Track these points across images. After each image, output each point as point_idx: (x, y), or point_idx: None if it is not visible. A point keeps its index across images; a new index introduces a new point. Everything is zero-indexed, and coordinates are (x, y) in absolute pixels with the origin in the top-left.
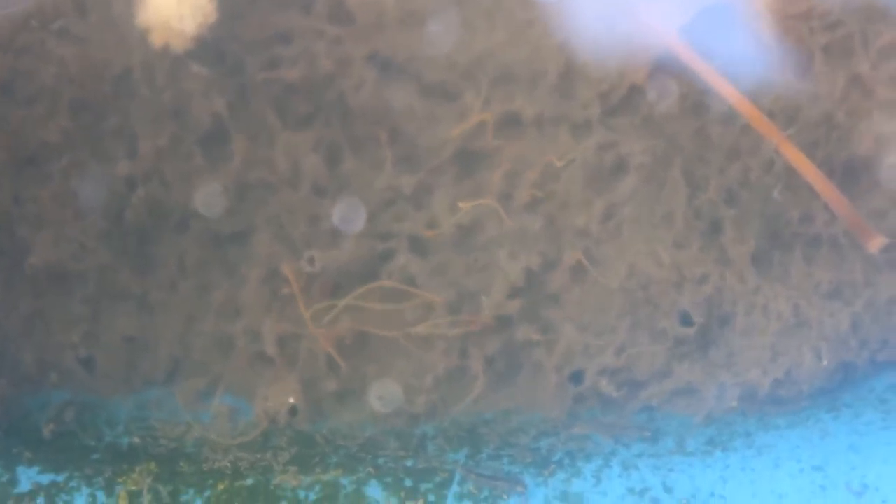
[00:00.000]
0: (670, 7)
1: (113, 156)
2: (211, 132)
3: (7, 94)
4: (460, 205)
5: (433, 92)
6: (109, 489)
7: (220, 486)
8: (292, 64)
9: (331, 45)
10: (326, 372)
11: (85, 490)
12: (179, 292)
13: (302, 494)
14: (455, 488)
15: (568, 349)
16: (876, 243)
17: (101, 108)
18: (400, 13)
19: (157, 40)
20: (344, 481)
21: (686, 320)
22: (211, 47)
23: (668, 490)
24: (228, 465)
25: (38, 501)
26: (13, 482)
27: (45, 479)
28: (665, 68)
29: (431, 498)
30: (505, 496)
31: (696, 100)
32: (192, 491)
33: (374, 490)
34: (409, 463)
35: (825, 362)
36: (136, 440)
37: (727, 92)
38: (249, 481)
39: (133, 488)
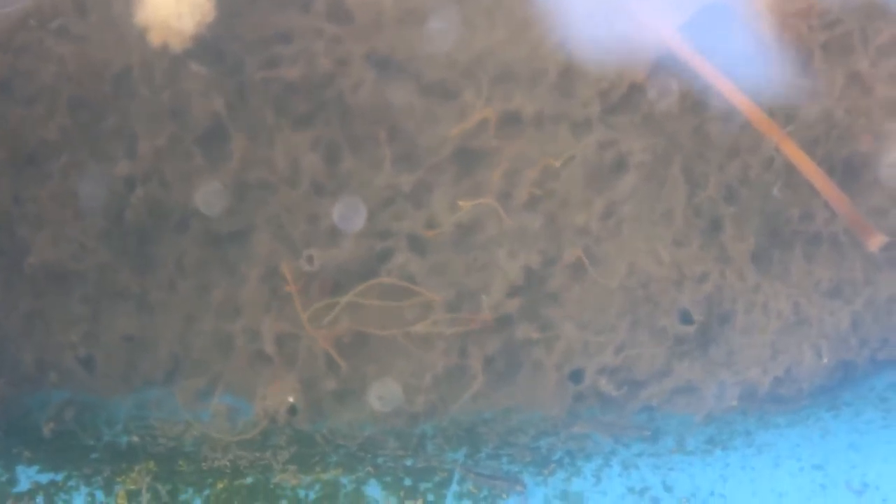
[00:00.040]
0: (670, 5)
1: (112, 155)
2: (210, 131)
3: (6, 94)
4: (460, 203)
5: (432, 91)
6: (108, 488)
7: (220, 485)
8: (291, 63)
9: (330, 44)
10: (326, 371)
11: (84, 489)
12: (179, 292)
13: (301, 493)
14: (454, 487)
15: (568, 348)
16: (876, 241)
17: (101, 108)
18: (399, 12)
19: (155, 39)
20: (343, 480)
21: (686, 318)
22: (210, 46)
23: (668, 489)
24: (228, 463)
25: (37, 500)
26: (12, 481)
27: (45, 478)
28: (665, 67)
29: (431, 497)
30: (504, 495)
31: (695, 98)
32: (191, 490)
33: (373, 489)
34: (408, 462)
35: (825, 360)
36: (136, 439)
37: (727, 90)
38: (249, 480)
39: (132, 487)
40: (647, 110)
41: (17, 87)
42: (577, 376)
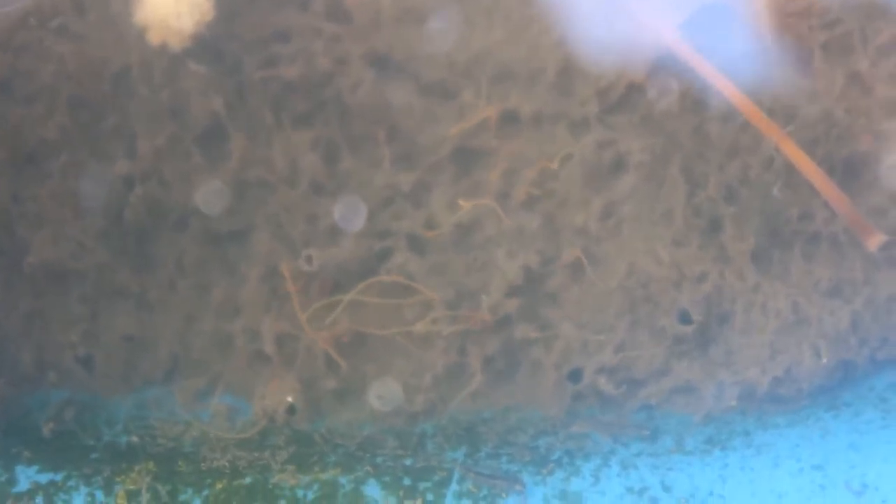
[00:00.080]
0: (669, 4)
1: (112, 154)
2: (209, 131)
3: (6, 93)
4: (461, 202)
5: (431, 90)
6: (108, 488)
7: (219, 485)
8: (290, 62)
9: (329, 44)
10: (325, 371)
11: (83, 489)
12: (178, 291)
13: (300, 493)
14: (454, 487)
15: (567, 347)
16: (875, 241)
17: (100, 107)
18: (397, 11)
19: (155, 38)
20: (342, 480)
21: (685, 318)
22: (209, 45)
23: (666, 489)
24: (227, 464)
25: (36, 501)
26: (12, 481)
27: (44, 478)
28: (664, 66)
29: (430, 497)
30: (503, 495)
31: (695, 97)
32: (190, 490)
33: (372, 489)
34: (407, 462)
35: (825, 360)
36: (135, 439)
37: (726, 89)
38: (248, 480)
39: (132, 487)
40: (646, 110)
41: (17, 86)
42: (576, 376)
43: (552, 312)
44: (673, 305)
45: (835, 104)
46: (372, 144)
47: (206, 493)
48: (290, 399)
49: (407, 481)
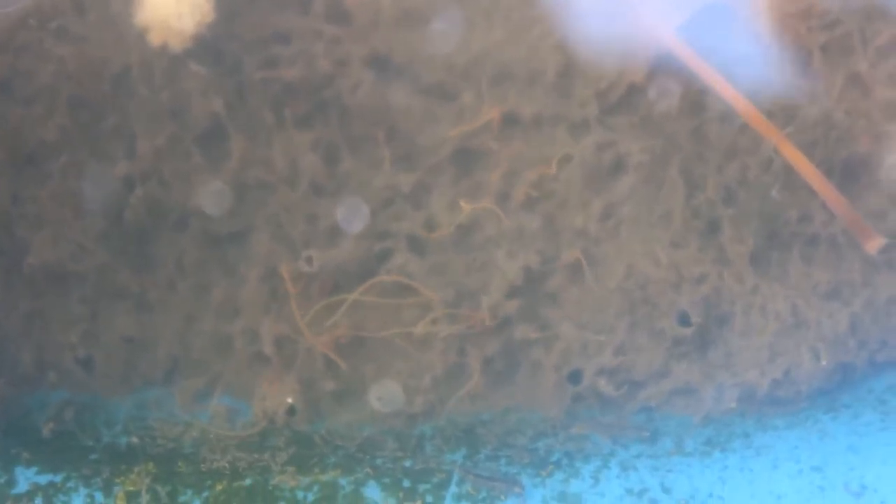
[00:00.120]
0: (668, 6)
1: (112, 155)
2: (209, 131)
3: (6, 93)
4: (462, 203)
5: (431, 91)
6: (108, 489)
7: (219, 487)
8: (290, 63)
9: (329, 45)
10: (324, 372)
11: (83, 490)
12: (178, 292)
13: (300, 495)
14: (453, 489)
15: (566, 348)
16: (874, 243)
17: (100, 108)
18: (397, 13)
19: (155, 39)
20: (342, 482)
21: (684, 320)
22: (209, 46)
23: (666, 491)
24: (227, 465)
25: (35, 502)
26: (11, 482)
27: (44, 479)
28: (663, 67)
29: (429, 498)
30: (503, 497)
31: (694, 99)
32: (190, 491)
33: (372, 490)
34: (407, 463)
35: (824, 363)
36: (135, 440)
37: (725, 91)
38: (248, 482)
39: (131, 489)
40: (645, 111)
41: (17, 86)
42: (575, 377)
43: (552, 313)
44: (672, 307)
45: (834, 106)
46: (372, 145)
47: (205, 494)
48: (289, 400)
49: (406, 483)
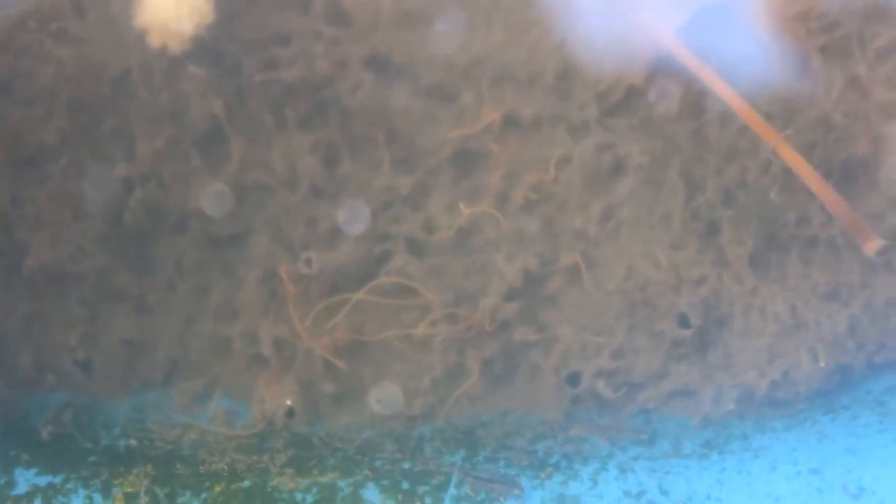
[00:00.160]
0: (668, 7)
1: (111, 157)
2: (209, 133)
3: (5, 95)
4: (461, 206)
5: (431, 93)
6: (106, 491)
7: (217, 489)
8: (290, 65)
9: (328, 46)
10: (323, 374)
11: (82, 492)
12: (177, 294)
13: (299, 497)
14: (452, 491)
15: (565, 351)
16: (873, 245)
17: (99, 109)
18: (397, 14)
19: (154, 41)
20: (341, 484)
21: (683, 322)
22: (208, 48)
23: (664, 493)
24: (225, 467)
25: (35, 503)
26: (11, 484)
27: (43, 480)
28: (663, 69)
29: (428, 500)
30: (501, 498)
31: (693, 101)
32: (188, 493)
33: (371, 492)
34: (406, 465)
35: (822, 364)
36: (134, 442)
37: (725, 93)
38: (246, 483)
39: (130, 490)
40: (645, 113)
41: (16, 88)
42: (574, 379)
43: (551, 315)
44: (671, 309)
45: (833, 108)
46: (371, 147)
47: (204, 496)
48: (288, 402)
49: (405, 485)
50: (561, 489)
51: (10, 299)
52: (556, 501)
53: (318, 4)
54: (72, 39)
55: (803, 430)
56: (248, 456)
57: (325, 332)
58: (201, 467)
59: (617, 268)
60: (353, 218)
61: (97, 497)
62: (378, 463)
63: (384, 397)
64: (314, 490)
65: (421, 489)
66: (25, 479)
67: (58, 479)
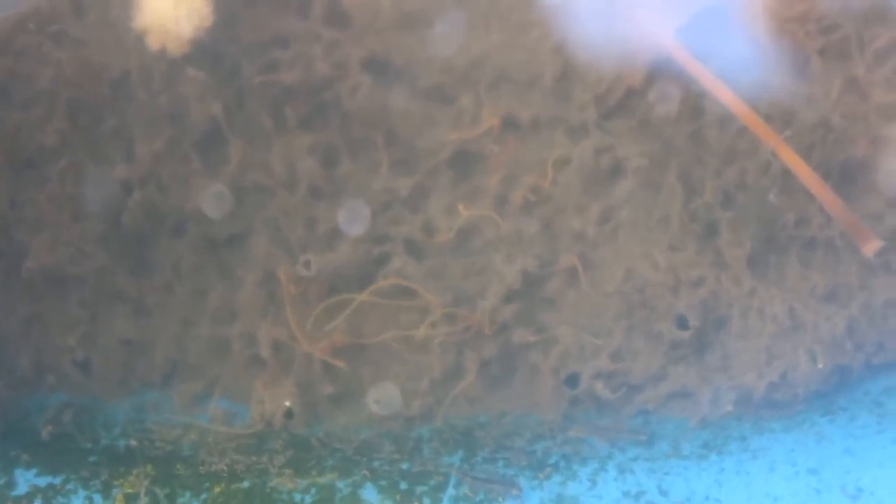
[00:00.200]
0: (666, 10)
1: (110, 159)
2: (208, 135)
3: (4, 97)
4: (460, 208)
5: (430, 95)
6: (106, 492)
7: (217, 489)
8: (289, 67)
9: (327, 49)
10: (322, 375)
11: (82, 493)
12: (176, 295)
13: (298, 497)
14: (450, 491)
15: (564, 352)
16: (872, 246)
17: (99, 112)
18: (396, 16)
19: (153, 43)
20: (339, 484)
21: (682, 323)
22: (208, 50)
23: (663, 493)
24: (225, 467)
25: None
26: (10, 484)
27: (43, 481)
28: (661, 71)
29: (427, 501)
30: (500, 499)
31: (692, 103)
32: (188, 494)
33: (369, 493)
34: (404, 466)
35: (821, 365)
36: (133, 443)
37: (723, 95)
38: (246, 484)
39: (130, 491)
40: (643, 115)
41: (16, 90)
42: (573, 380)
43: (549, 317)
44: (670, 310)
45: (832, 109)
46: (370, 149)
47: (203, 496)
48: (287, 403)
49: (404, 485)
50: (560, 490)
51: (10, 301)
52: (554, 502)
53: (317, 7)
54: (71, 42)
55: (801, 431)
56: (248, 457)
57: (324, 335)
58: (201, 468)
59: (615, 269)
60: (353, 219)
61: (97, 498)
62: (376, 463)
63: (382, 398)
64: (313, 491)
65: (419, 489)
66: (25, 480)
67: (58, 480)
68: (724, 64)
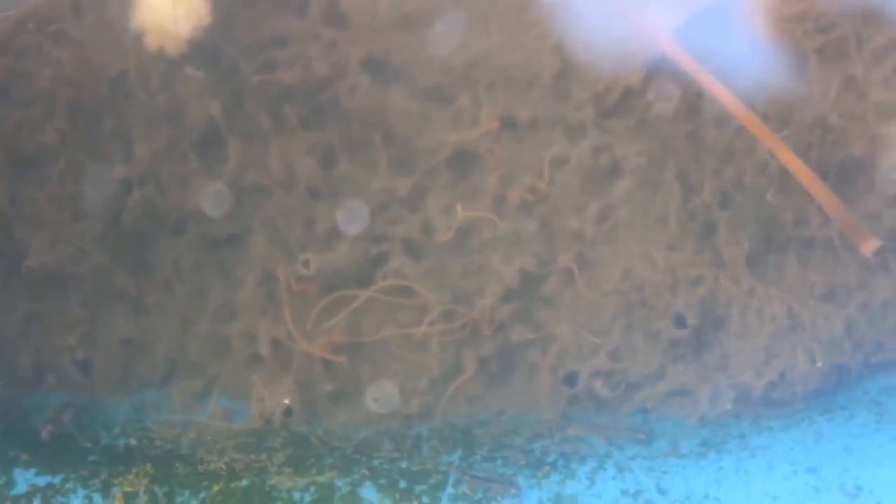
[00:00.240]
0: (665, 9)
1: (109, 158)
2: (206, 135)
3: (4, 97)
4: (458, 209)
5: (428, 95)
6: (106, 491)
7: (216, 488)
8: (288, 67)
9: (326, 48)
10: (321, 373)
11: (81, 492)
12: (175, 295)
13: (297, 496)
14: (449, 490)
15: (562, 351)
16: (870, 246)
17: (98, 111)
18: (395, 16)
19: (152, 43)
20: (339, 483)
21: (680, 322)
22: (206, 50)
23: (662, 492)
24: (224, 466)
25: (34, 503)
26: (10, 484)
27: (42, 480)
28: (659, 71)
29: (426, 499)
30: (499, 497)
31: (690, 102)
32: (187, 492)
33: (368, 491)
34: (403, 464)
35: (819, 364)
36: (133, 442)
37: (721, 94)
38: (245, 483)
39: (129, 490)
40: (641, 115)
41: (16, 90)
42: (571, 379)
43: (548, 316)
44: (668, 309)
45: (829, 109)
46: (369, 149)
47: (203, 495)
48: (286, 401)
49: (403, 484)
50: (558, 488)
51: (10, 300)
52: (553, 500)
53: (315, 7)
54: (70, 41)
55: (800, 429)
56: (247, 455)
57: (323, 333)
58: (200, 466)
59: (614, 268)
60: (351, 219)
61: (96, 497)
62: (376, 462)
63: (381, 396)
64: (312, 489)
65: (418, 488)
66: (24, 479)
67: (57, 479)
68: (721, 63)
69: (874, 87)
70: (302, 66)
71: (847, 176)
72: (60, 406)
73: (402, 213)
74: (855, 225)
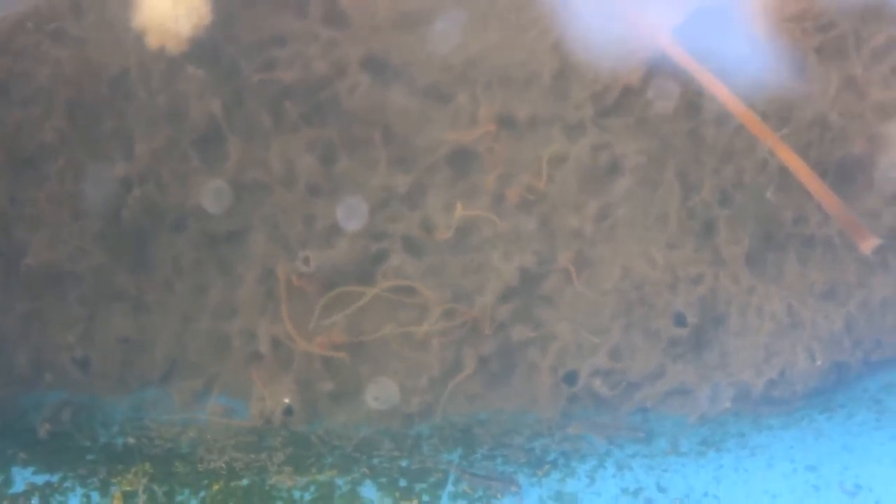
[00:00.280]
0: (664, 8)
1: (109, 157)
2: (206, 133)
3: (4, 96)
4: (458, 207)
5: (427, 93)
6: (104, 490)
7: (216, 487)
8: (287, 66)
9: (326, 48)
10: (322, 372)
11: (80, 491)
12: (175, 293)
13: (297, 495)
14: (449, 488)
15: (562, 349)
16: (869, 244)
17: (98, 110)
18: (394, 15)
19: (152, 42)
20: (339, 481)
21: (680, 321)
22: (206, 49)
23: (661, 490)
24: (224, 465)
25: (32, 502)
26: (8, 483)
27: (40, 479)
28: (659, 69)
29: (426, 498)
30: (499, 496)
31: (690, 101)
32: (187, 491)
33: (368, 490)
34: (403, 463)
35: (819, 363)
36: (132, 441)
37: (721, 93)
38: (245, 482)
39: (128, 489)
40: (641, 113)
41: (15, 89)
42: (571, 378)
43: (548, 314)
44: (668, 308)
45: (829, 107)
46: (368, 147)
47: (202, 494)
48: (286, 400)
49: (403, 482)
50: (558, 487)
51: (9, 298)
52: (553, 499)
53: (315, 6)
54: (70, 40)
55: (800, 427)
56: (247, 454)
57: (323, 331)
58: (200, 465)
59: (613, 267)
60: (351, 216)
61: (95, 496)
62: (376, 461)
63: (381, 395)
64: (312, 488)
65: (418, 487)
66: (23, 478)
67: (55, 478)
68: (721, 62)
69: (873, 86)
70: (302, 65)
71: (846, 174)
72: (59, 404)
73: (401, 210)
74: (854, 223)
